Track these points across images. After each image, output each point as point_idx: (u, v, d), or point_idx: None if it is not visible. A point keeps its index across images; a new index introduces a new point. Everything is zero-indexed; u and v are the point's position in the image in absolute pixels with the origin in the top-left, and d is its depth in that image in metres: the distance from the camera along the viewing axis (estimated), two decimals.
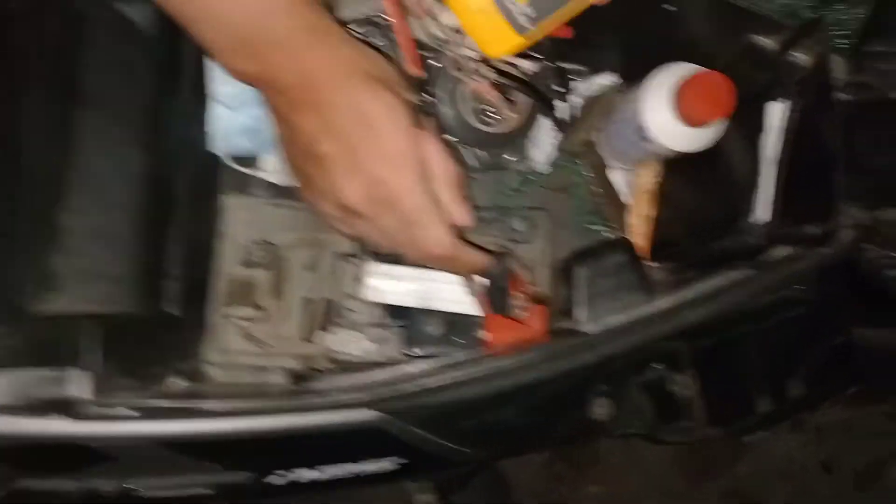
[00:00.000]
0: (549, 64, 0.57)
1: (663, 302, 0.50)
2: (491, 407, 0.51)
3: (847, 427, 1.21)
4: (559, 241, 0.62)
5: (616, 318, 0.49)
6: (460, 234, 0.48)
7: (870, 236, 0.47)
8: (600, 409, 0.54)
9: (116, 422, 0.41)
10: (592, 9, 0.56)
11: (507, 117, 0.57)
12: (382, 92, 0.42)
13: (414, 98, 0.45)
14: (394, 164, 0.42)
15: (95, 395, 0.39)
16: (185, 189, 0.52)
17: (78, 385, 0.40)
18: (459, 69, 0.52)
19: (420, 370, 0.48)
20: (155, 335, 0.48)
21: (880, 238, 0.48)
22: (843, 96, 0.48)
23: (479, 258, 0.50)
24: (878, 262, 0.48)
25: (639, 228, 0.59)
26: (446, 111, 0.57)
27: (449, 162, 0.45)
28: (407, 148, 0.42)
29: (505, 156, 0.61)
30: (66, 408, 0.40)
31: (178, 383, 0.48)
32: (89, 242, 0.46)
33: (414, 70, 0.47)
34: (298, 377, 0.50)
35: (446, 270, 0.51)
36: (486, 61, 0.52)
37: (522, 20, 0.47)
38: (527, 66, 0.54)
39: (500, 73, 0.53)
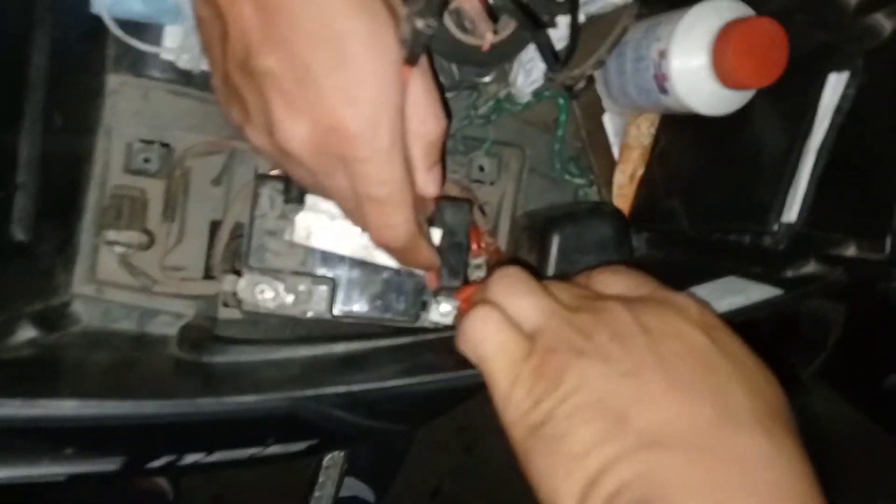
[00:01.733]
0: None
1: None
2: (425, 393, 0.42)
3: None
4: (530, 187, 0.52)
5: None
6: (420, 211, 0.38)
7: None
8: None
9: None
10: None
11: (483, 35, 0.43)
12: (365, 18, 0.28)
13: (417, 22, 0.30)
14: (361, 109, 0.29)
15: None
16: (44, 60, 0.37)
17: None
18: None
19: (346, 350, 0.38)
20: None
21: None
22: None
23: (432, 258, 0.39)
24: None
25: (626, 191, 0.50)
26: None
27: (436, 118, 0.33)
28: (384, 90, 0.29)
29: (481, 75, 0.49)
30: None
31: (28, 337, 0.35)
32: None
33: None
34: (191, 338, 0.39)
35: (388, 254, 0.39)
36: None
37: None
38: None
39: None
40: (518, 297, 0.32)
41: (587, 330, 0.29)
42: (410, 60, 0.31)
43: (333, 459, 0.71)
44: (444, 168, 0.38)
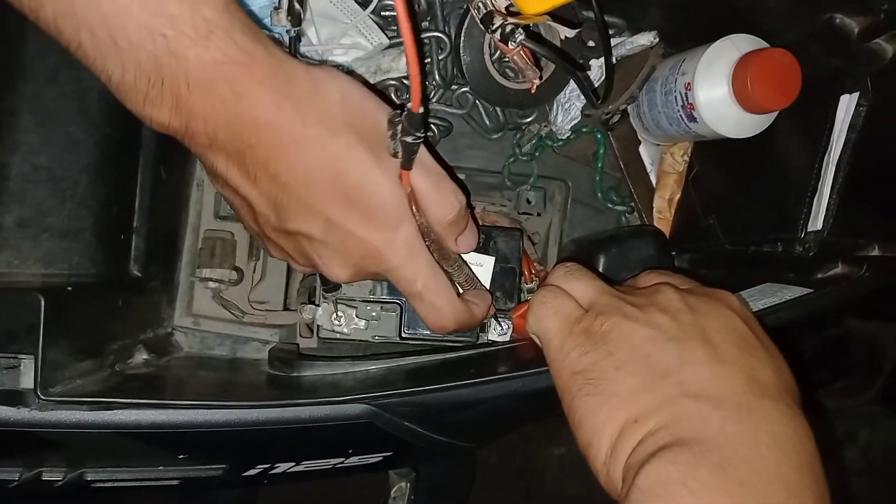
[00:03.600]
0: (586, 16, 0.50)
1: None
2: (492, 405, 0.46)
3: None
4: (574, 217, 0.57)
5: None
6: (468, 280, 0.43)
7: None
8: None
9: (65, 410, 0.35)
10: None
11: (529, 80, 0.49)
12: (361, 154, 0.33)
13: (406, 138, 0.34)
14: (383, 234, 0.35)
15: (41, 385, 0.33)
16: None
17: (17, 372, 0.33)
18: (486, 24, 0.44)
19: (415, 364, 0.43)
20: (115, 302, 0.41)
21: None
22: None
23: (482, 316, 0.44)
24: None
25: (665, 215, 0.54)
26: (468, 60, 0.49)
27: (447, 202, 0.38)
28: (396, 208, 0.35)
29: (524, 116, 0.54)
30: (6, 398, 0.33)
31: (143, 359, 0.41)
32: (34, 186, 0.38)
33: (416, 107, 0.34)
34: (279, 357, 0.44)
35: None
36: (513, 14, 0.44)
37: None
38: (563, 31, 0.47)
39: (529, 35, 0.46)
40: (575, 279, 0.37)
41: (638, 304, 0.34)
42: (406, 167, 0.35)
43: (401, 490, 0.75)
44: (477, 226, 0.43)
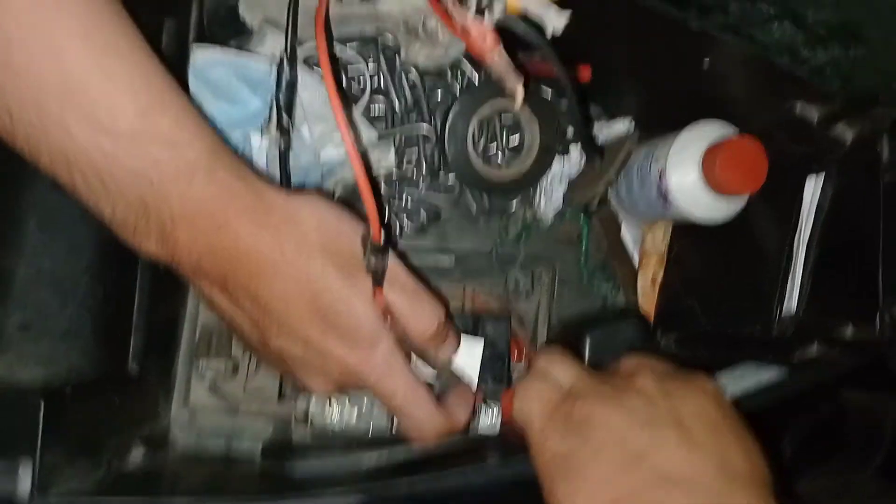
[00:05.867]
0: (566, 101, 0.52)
1: None
2: (483, 493, 0.46)
3: None
4: (562, 297, 0.58)
5: None
6: (450, 380, 0.45)
7: None
8: None
9: None
10: (614, 52, 0.51)
11: (511, 88, 0.39)
12: (335, 276, 0.35)
13: (376, 262, 0.36)
14: (360, 352, 0.36)
15: (39, 488, 0.33)
16: None
17: (15, 476, 0.34)
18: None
19: (407, 454, 0.43)
20: (112, 399, 0.42)
21: None
22: (886, 177, 0.44)
23: (464, 421, 0.44)
24: None
25: (649, 294, 0.55)
26: (453, 150, 0.52)
27: (423, 316, 0.39)
28: (370, 325, 0.36)
29: (509, 202, 0.57)
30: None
31: (139, 455, 0.42)
32: (36, 289, 0.40)
33: (377, 235, 0.35)
34: (272, 449, 0.45)
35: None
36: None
37: None
38: (552, 21, 0.38)
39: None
40: (557, 365, 0.38)
41: (616, 389, 0.35)
42: (378, 283, 0.36)
43: None
44: (457, 334, 0.44)
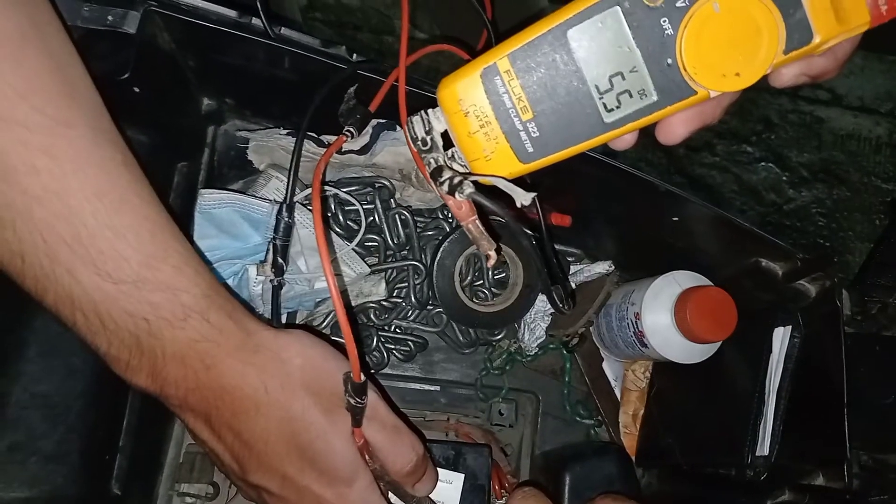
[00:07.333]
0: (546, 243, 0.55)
1: None
2: None
3: None
4: (545, 428, 0.59)
5: None
6: None
7: (874, 482, 0.44)
8: None
9: None
10: (593, 204, 0.55)
11: (484, 251, 0.39)
12: (315, 414, 0.36)
13: (356, 401, 0.37)
14: (337, 488, 0.37)
15: None
16: None
17: None
18: (435, 178, 0.38)
19: None
20: None
21: (882, 482, 0.45)
22: (848, 329, 0.46)
23: None
24: None
25: (630, 428, 0.56)
26: (440, 285, 0.55)
27: (401, 454, 0.40)
28: (349, 464, 0.37)
29: (493, 335, 0.59)
30: None
31: None
32: (28, 412, 0.42)
33: (357, 377, 0.36)
34: None
35: None
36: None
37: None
38: (519, 197, 0.45)
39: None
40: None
41: None
42: (356, 424, 0.37)
43: None
44: (435, 470, 0.44)
